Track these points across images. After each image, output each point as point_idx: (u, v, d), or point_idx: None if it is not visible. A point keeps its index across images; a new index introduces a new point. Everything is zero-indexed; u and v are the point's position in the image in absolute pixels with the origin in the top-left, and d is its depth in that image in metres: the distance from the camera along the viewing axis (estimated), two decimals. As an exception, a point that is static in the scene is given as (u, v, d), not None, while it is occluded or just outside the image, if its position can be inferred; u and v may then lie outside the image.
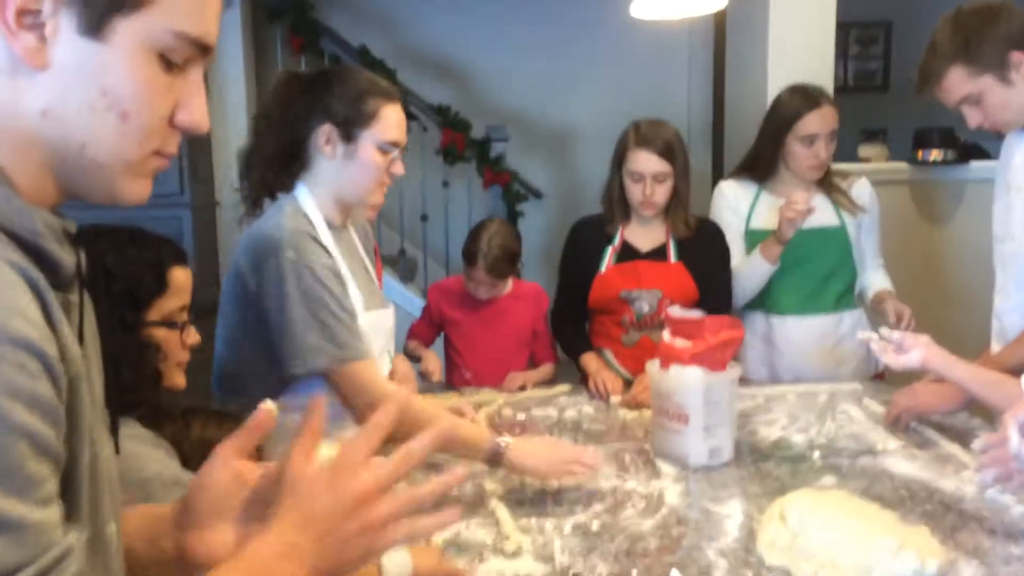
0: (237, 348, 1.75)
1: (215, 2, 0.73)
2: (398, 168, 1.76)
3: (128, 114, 0.68)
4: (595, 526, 1.51)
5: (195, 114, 0.73)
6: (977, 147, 3.85)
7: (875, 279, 2.57)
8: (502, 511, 1.54)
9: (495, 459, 1.63)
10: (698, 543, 1.44)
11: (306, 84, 1.73)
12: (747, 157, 2.59)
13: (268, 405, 0.86)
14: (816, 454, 1.85)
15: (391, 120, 1.72)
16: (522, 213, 4.41)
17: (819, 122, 2.41)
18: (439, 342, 2.71)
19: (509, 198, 4.33)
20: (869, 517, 1.35)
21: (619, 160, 2.37)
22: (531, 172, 5.44)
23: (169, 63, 0.70)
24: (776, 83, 3.33)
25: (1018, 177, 2.03)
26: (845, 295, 2.53)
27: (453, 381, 2.62)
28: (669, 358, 1.82)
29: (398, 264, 4.60)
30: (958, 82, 1.96)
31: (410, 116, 4.51)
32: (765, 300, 2.52)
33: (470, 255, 2.49)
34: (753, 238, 2.51)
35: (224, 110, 4.06)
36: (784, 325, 2.50)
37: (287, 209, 1.69)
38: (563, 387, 2.38)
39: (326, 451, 0.79)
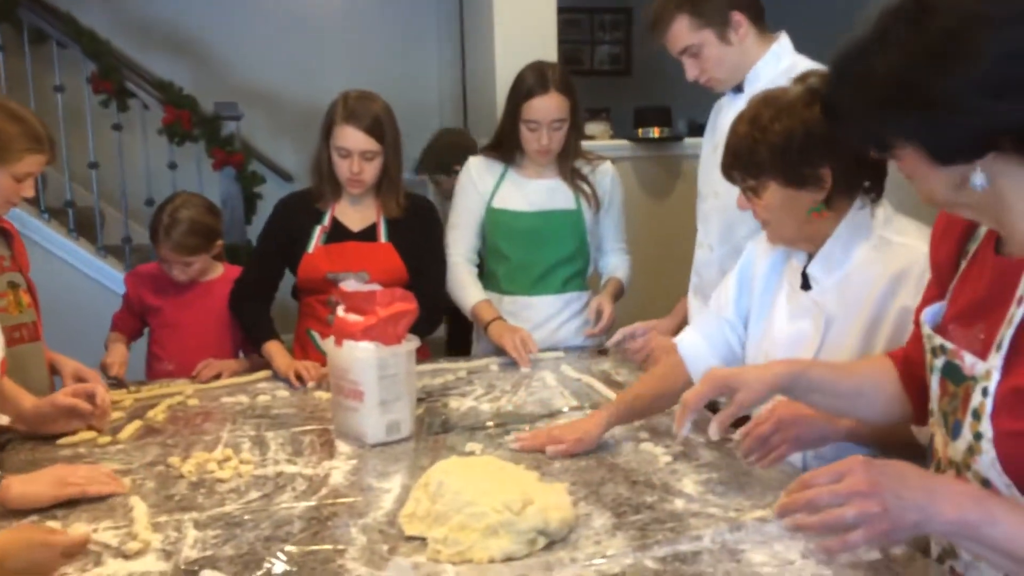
0: None
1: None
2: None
3: None
4: (245, 515, 1.43)
5: None
6: (695, 124, 4.11)
7: (613, 263, 2.60)
8: (139, 509, 1.42)
9: None
10: (347, 521, 1.39)
11: None
12: (495, 134, 2.56)
13: None
14: (491, 422, 1.87)
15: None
16: (260, 195, 4.21)
17: (542, 109, 2.36)
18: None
19: (244, 180, 4.11)
20: (507, 479, 1.35)
21: (327, 132, 2.28)
22: (280, 153, 5.23)
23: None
24: (505, 67, 3.38)
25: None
26: (574, 278, 2.56)
27: (155, 374, 2.43)
28: (342, 334, 1.76)
29: (123, 252, 4.25)
30: (682, 31, 2.02)
31: (129, 94, 4.20)
32: (499, 281, 2.53)
33: (154, 231, 2.32)
34: (495, 217, 2.51)
35: None
36: (513, 304, 2.51)
37: None
38: (262, 373, 2.26)
39: None
